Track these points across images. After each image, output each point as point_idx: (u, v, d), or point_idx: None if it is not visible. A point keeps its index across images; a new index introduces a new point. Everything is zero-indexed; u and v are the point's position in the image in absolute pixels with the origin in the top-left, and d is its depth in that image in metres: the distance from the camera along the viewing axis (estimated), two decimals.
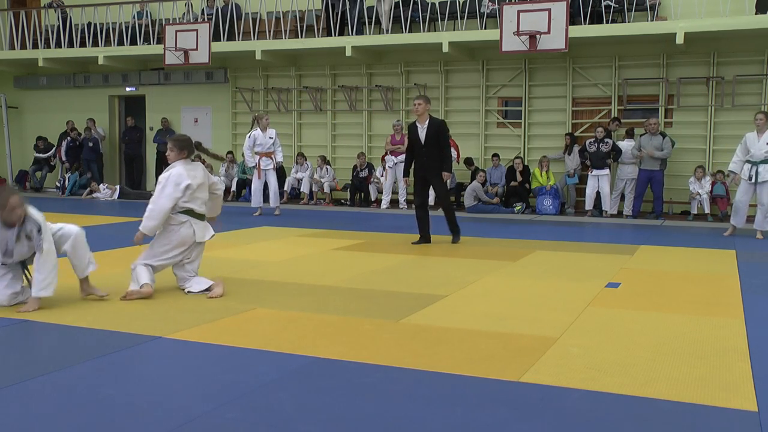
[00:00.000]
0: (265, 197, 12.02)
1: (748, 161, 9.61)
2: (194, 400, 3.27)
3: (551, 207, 12.95)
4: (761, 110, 10.05)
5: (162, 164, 16.59)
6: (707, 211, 12.19)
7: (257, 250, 7.96)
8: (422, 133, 8.45)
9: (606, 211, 12.47)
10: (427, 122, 8.47)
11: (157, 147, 16.59)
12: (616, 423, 3.08)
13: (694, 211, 12.28)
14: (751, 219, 9.85)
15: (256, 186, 11.99)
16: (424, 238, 8.67)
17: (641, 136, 12.29)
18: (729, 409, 3.21)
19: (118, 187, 15.67)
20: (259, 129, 11.82)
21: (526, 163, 13.56)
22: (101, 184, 15.88)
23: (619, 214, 12.62)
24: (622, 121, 13.15)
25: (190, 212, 5.56)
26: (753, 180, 9.50)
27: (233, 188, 15.35)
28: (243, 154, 12.71)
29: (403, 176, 9.16)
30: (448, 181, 9.52)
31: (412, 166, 8.74)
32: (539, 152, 13.70)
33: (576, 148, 13.09)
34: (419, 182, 8.69)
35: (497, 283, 6.20)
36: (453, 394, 3.39)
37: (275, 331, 4.49)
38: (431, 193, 10.13)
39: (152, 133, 16.90)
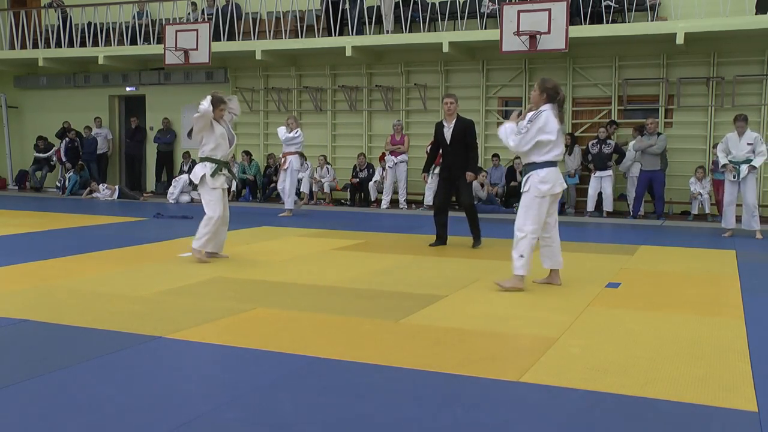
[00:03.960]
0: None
1: (729, 161, 9.74)
2: (194, 400, 3.27)
3: None
4: (741, 114, 10.04)
5: (162, 164, 16.61)
6: (708, 211, 12.19)
7: (257, 250, 7.95)
8: (448, 133, 8.23)
9: (606, 212, 12.45)
10: (454, 122, 8.22)
11: (158, 147, 16.59)
12: (616, 423, 3.08)
13: (695, 212, 12.27)
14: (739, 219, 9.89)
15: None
16: (441, 240, 8.56)
17: (641, 135, 12.28)
18: (729, 409, 3.21)
19: (117, 187, 15.65)
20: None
21: None
22: (101, 184, 15.87)
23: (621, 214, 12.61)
24: (618, 122, 13.14)
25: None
26: (736, 178, 9.64)
27: (233, 188, 15.32)
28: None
29: (423, 171, 8.95)
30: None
31: (437, 167, 8.65)
32: None
33: (577, 149, 13.07)
34: (443, 183, 8.48)
35: None
36: (453, 394, 3.39)
37: (275, 331, 4.49)
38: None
39: (152, 133, 16.90)
